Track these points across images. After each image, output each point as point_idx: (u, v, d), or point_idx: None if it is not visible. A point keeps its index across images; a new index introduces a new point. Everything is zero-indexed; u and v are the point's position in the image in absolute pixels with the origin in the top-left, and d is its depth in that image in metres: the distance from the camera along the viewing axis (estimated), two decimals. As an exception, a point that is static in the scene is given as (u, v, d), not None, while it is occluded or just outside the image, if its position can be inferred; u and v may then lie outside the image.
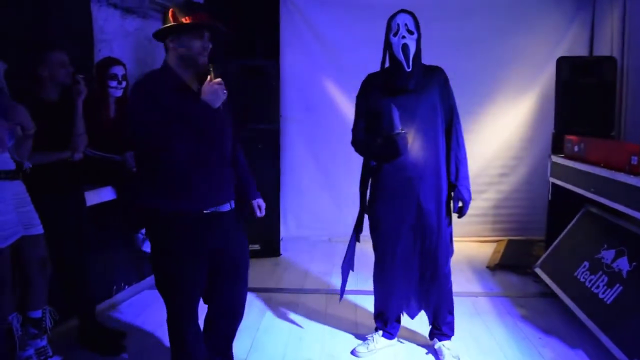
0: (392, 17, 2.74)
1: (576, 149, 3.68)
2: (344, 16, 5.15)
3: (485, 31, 5.03)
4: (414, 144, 2.72)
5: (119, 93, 3.59)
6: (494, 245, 5.12)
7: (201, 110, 2.09)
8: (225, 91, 2.11)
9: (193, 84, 2.21)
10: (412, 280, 2.93)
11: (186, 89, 2.18)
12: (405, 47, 2.67)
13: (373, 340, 3.01)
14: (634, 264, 3.02)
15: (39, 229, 2.58)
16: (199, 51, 2.16)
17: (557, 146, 4.13)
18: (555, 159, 3.97)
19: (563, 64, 4.30)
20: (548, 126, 4.49)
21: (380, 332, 3.03)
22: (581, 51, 4.99)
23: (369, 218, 2.94)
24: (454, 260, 4.60)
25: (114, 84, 3.54)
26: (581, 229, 3.81)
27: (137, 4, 4.36)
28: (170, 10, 2.15)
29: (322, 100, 5.26)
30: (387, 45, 2.76)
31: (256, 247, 4.62)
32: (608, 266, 3.20)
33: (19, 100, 2.57)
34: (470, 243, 5.25)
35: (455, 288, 3.97)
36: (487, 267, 4.50)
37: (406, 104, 2.72)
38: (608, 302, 3.01)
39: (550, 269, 3.82)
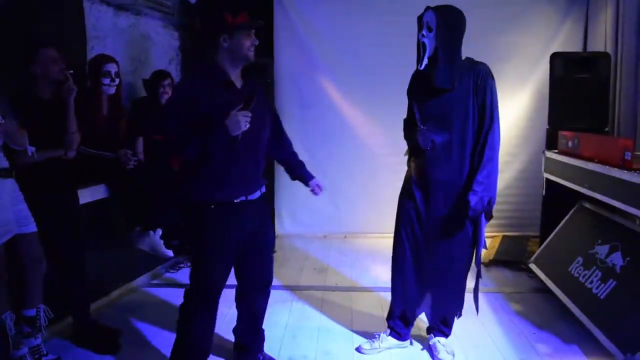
0: (420, 16, 2.73)
1: (570, 144, 3.69)
2: (339, 13, 5.15)
3: (480, 27, 4.98)
4: (432, 144, 2.71)
5: (112, 90, 3.58)
6: (488, 241, 5.11)
7: (219, 130, 2.24)
8: (247, 123, 2.26)
9: (237, 81, 2.39)
10: (424, 282, 2.91)
11: (232, 85, 2.36)
12: (420, 46, 2.69)
13: (379, 338, 2.99)
14: (628, 259, 3.04)
15: (32, 227, 2.57)
16: (249, 47, 2.35)
17: (551, 142, 4.14)
18: (549, 154, 3.98)
19: (557, 59, 4.30)
20: (542, 122, 4.49)
21: (388, 330, 3.02)
22: (575, 47, 4.99)
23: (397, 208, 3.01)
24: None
25: (107, 81, 3.53)
26: (575, 225, 3.83)
27: (130, 1, 4.34)
28: (225, 11, 2.33)
29: (317, 97, 5.26)
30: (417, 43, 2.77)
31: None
32: (602, 261, 3.22)
33: (13, 98, 2.57)
34: (465, 239, 5.25)
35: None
36: (482, 262, 4.50)
37: (429, 102, 2.72)
38: (602, 297, 3.02)
39: (544, 265, 3.84)
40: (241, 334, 2.75)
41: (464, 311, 3.44)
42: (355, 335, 3.16)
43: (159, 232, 3.69)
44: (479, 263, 2.85)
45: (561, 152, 3.81)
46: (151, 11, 4.70)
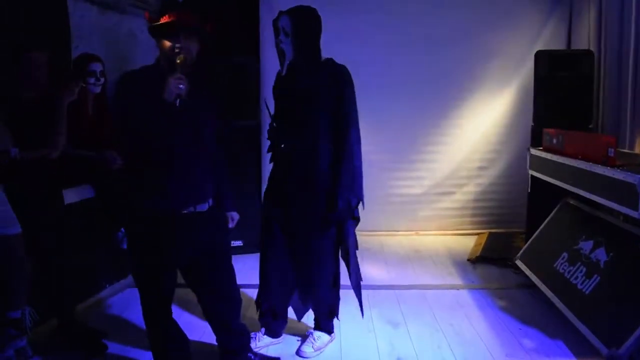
0: (275, 19, 2.73)
1: (554, 141, 3.72)
2: (325, 10, 5.12)
3: (465, 26, 5.06)
4: (287, 145, 2.75)
5: (98, 89, 3.55)
6: (475, 238, 5.17)
7: (157, 107, 2.09)
8: (182, 86, 2.09)
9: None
10: (290, 280, 2.93)
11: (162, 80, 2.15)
12: (280, 53, 2.72)
13: (256, 338, 2.99)
14: (612, 254, 3.07)
15: (16, 229, 2.55)
16: (170, 51, 2.18)
17: (536, 139, 4.18)
18: (534, 151, 4.01)
19: (541, 57, 4.34)
20: (527, 119, 4.53)
21: (263, 329, 3.03)
22: (559, 45, 5.04)
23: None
24: (436, 253, 4.72)
25: (92, 80, 3.50)
26: (560, 221, 3.87)
27: (115, -1, 4.31)
28: (146, 12, 2.26)
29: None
30: (276, 46, 2.78)
31: (239, 243, 4.61)
32: (586, 257, 3.25)
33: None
34: (452, 236, 5.31)
35: (436, 281, 4.04)
36: (468, 259, 4.54)
37: (289, 103, 2.77)
38: (586, 293, 3.06)
39: (530, 261, 3.87)
40: (219, 340, 2.61)
41: (449, 308, 3.49)
42: (343, 333, 3.16)
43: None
44: (351, 265, 2.86)
45: (546, 149, 3.84)
46: (136, 9, 4.66)
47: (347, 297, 3.69)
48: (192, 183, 2.24)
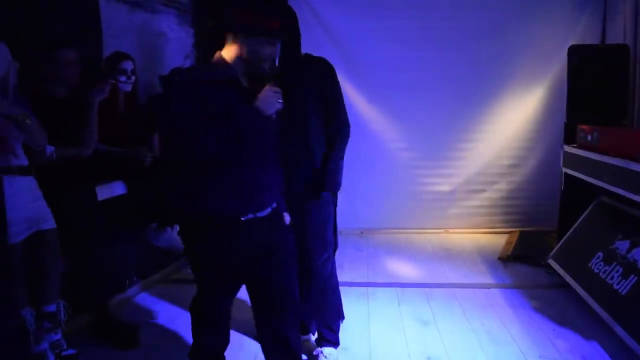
0: None
1: (589, 138, 3.64)
2: (354, 10, 5.12)
3: (496, 21, 4.98)
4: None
5: (129, 88, 3.59)
6: (505, 236, 5.09)
7: (251, 114, 1.97)
8: (280, 100, 2.02)
9: (243, 80, 2.08)
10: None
11: (237, 83, 2.05)
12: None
13: None
14: (649, 254, 2.99)
15: (51, 224, 2.59)
16: (266, 57, 2.04)
17: (569, 136, 4.08)
18: (567, 148, 3.93)
19: (575, 52, 4.24)
20: (559, 116, 4.44)
21: None
22: (593, 39, 4.92)
23: None
24: (466, 251, 4.66)
25: (123, 78, 3.54)
26: (595, 220, 3.78)
27: (145, -2, 4.36)
28: (248, 7, 2.03)
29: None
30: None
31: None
32: (623, 257, 3.17)
33: (29, 96, 2.59)
34: (482, 234, 5.23)
35: (466, 279, 4.00)
36: (499, 258, 4.47)
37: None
38: (623, 293, 2.98)
39: (563, 260, 3.79)
40: None
41: (480, 307, 3.44)
42: (372, 331, 3.15)
43: (176, 228, 3.71)
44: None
45: (580, 146, 3.76)
46: (166, 8, 4.71)
47: (376, 293, 3.69)
48: (269, 184, 2.13)
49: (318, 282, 2.76)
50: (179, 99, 1.94)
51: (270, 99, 2.00)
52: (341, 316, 2.93)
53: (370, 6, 5.04)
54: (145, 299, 3.68)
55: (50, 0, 3.23)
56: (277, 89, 2.02)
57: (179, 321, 3.29)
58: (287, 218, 2.34)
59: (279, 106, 2.02)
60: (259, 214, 2.06)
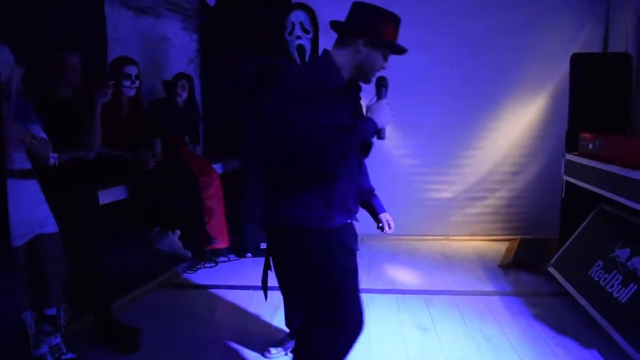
0: (286, 14, 2.52)
1: (591, 146, 3.65)
2: (342, 10, 5.13)
3: (501, 28, 5.00)
4: None
5: (132, 92, 3.63)
6: (506, 244, 5.09)
7: (370, 126, 1.96)
8: (392, 113, 2.01)
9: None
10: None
11: (348, 92, 2.04)
12: (300, 48, 2.53)
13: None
14: (649, 262, 2.99)
15: (53, 228, 2.61)
16: (378, 70, 2.04)
17: (571, 144, 4.09)
18: (569, 157, 3.93)
19: (577, 60, 4.25)
20: (561, 123, 4.44)
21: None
22: (595, 48, 4.93)
23: None
24: (466, 259, 4.67)
25: (127, 83, 3.58)
26: (595, 228, 3.78)
27: (150, 3, 4.40)
28: (393, 23, 2.01)
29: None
30: (283, 42, 2.57)
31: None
32: (623, 265, 3.17)
33: (32, 100, 2.62)
34: (483, 242, 5.24)
35: (466, 286, 4.01)
36: (500, 266, 4.47)
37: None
38: (623, 301, 2.98)
39: (563, 268, 3.79)
40: None
41: (480, 315, 3.44)
42: (372, 337, 3.15)
43: (178, 232, 3.73)
44: None
45: (581, 155, 3.76)
46: (170, 13, 4.75)
47: (376, 300, 3.69)
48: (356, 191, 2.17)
49: None
50: (297, 104, 1.84)
51: (386, 112, 1.99)
52: None
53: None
54: (146, 303, 3.69)
55: (54, 4, 3.26)
56: (388, 101, 2.00)
57: (179, 326, 3.30)
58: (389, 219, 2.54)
59: (391, 120, 2.01)
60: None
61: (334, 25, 2.01)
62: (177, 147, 4.10)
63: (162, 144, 3.87)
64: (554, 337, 3.13)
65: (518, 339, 3.12)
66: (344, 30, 2.00)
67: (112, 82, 3.09)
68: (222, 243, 4.14)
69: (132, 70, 3.60)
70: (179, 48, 4.98)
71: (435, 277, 4.25)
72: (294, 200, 1.95)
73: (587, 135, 3.75)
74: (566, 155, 3.99)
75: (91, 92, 3.05)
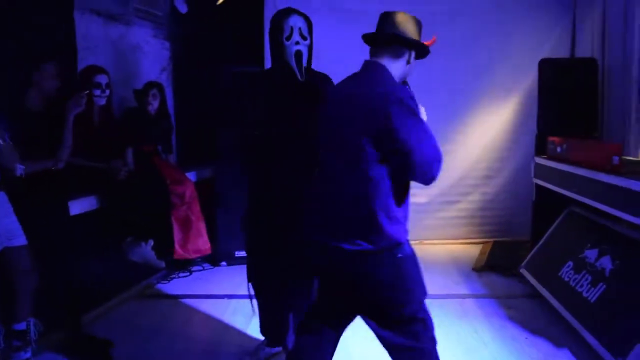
0: (284, 18, 2.52)
1: (559, 150, 3.72)
2: (329, 20, 5.16)
3: (470, 35, 5.07)
4: (286, 153, 2.57)
5: (103, 101, 3.59)
6: (480, 247, 5.15)
7: None
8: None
9: None
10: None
11: None
12: (298, 55, 2.53)
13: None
14: (617, 262, 3.06)
15: (22, 240, 2.56)
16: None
17: (540, 148, 4.17)
18: (538, 160, 4.01)
19: (545, 65, 4.35)
20: (532, 128, 4.52)
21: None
22: (563, 53, 5.04)
23: None
24: (441, 262, 4.70)
25: (97, 92, 3.54)
26: (565, 229, 3.85)
27: (120, 11, 4.36)
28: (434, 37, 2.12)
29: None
30: (277, 47, 2.55)
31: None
32: (592, 265, 3.24)
33: (3, 110, 2.58)
34: (457, 245, 5.29)
35: (441, 290, 4.03)
36: (473, 269, 4.52)
37: (289, 110, 2.57)
38: (592, 301, 3.04)
39: (535, 270, 3.86)
40: None
41: (455, 317, 3.47)
42: (349, 344, 3.15)
43: (151, 242, 3.69)
44: None
45: (550, 158, 3.84)
46: (141, 21, 4.71)
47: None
48: None
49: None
50: (409, 114, 1.88)
51: (424, 113, 2.07)
52: None
53: (345, 16, 5.08)
54: (120, 315, 3.63)
55: (22, 12, 3.21)
56: None
57: (153, 337, 3.26)
58: None
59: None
60: None
61: (387, 37, 2.01)
62: (149, 157, 4.06)
63: (134, 154, 3.83)
64: (527, 338, 3.18)
65: (492, 340, 3.16)
66: (401, 43, 2.02)
67: (86, 92, 3.05)
68: (204, 251, 4.10)
69: (103, 79, 3.56)
70: (151, 56, 4.94)
71: (430, 284, 4.27)
72: (392, 213, 1.93)
73: (555, 138, 3.82)
74: (536, 158, 4.07)
75: (64, 103, 3.00)
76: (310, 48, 2.63)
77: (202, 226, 4.08)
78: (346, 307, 2.18)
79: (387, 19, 2.03)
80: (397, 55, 2.03)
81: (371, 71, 2.01)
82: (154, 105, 4.14)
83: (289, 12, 2.57)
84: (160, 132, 4.25)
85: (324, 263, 2.04)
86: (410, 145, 1.81)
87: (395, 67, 2.03)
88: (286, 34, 2.53)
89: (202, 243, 4.05)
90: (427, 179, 1.90)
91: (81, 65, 3.75)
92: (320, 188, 2.05)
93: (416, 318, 2.04)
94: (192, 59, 5.23)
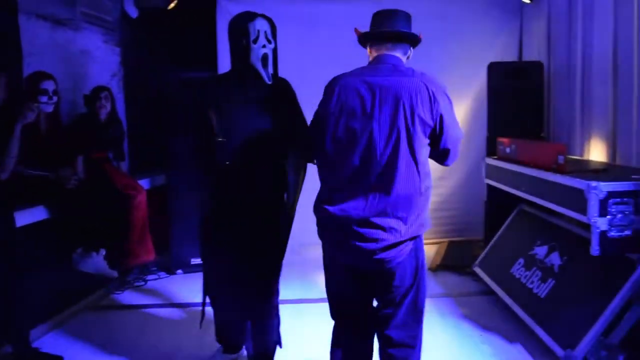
0: (249, 21, 2.52)
1: (508, 150, 3.82)
2: (280, 24, 5.16)
3: (422, 40, 5.14)
4: (249, 156, 2.58)
5: (50, 108, 3.50)
6: (435, 247, 5.22)
7: None
8: None
9: None
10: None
11: None
12: (265, 58, 2.55)
13: None
14: (565, 258, 3.17)
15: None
16: None
17: (491, 148, 4.28)
18: (489, 160, 4.11)
19: (494, 69, 4.47)
20: (482, 129, 4.63)
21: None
22: (511, 57, 5.18)
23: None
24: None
25: (44, 99, 3.44)
26: (516, 228, 3.96)
27: (67, 15, 4.25)
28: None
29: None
30: (241, 50, 2.54)
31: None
32: (541, 262, 3.34)
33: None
34: (414, 246, 5.34)
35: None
36: (429, 268, 4.58)
37: (249, 113, 2.58)
38: (542, 296, 3.14)
39: (488, 268, 3.95)
40: None
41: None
42: (306, 347, 3.16)
43: (102, 252, 3.61)
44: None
45: (500, 158, 3.94)
46: (90, 26, 4.61)
47: (309, 309, 3.70)
48: None
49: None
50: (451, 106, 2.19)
51: None
52: (279, 342, 2.90)
53: (294, 19, 5.08)
54: (72, 327, 3.53)
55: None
56: None
57: (106, 350, 3.18)
58: None
59: None
60: None
61: (404, 35, 2.17)
62: (100, 164, 3.97)
63: (85, 161, 3.74)
64: (481, 335, 3.25)
65: (447, 338, 3.22)
66: (412, 41, 2.23)
67: (36, 104, 2.96)
68: (148, 256, 4.03)
69: (50, 85, 3.47)
70: (101, 62, 4.84)
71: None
72: (422, 203, 2.17)
73: (504, 139, 3.92)
74: (486, 159, 4.17)
75: (9, 110, 2.90)
76: (275, 52, 2.62)
77: (147, 233, 4.02)
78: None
79: (401, 17, 2.18)
80: (405, 52, 2.21)
81: (395, 62, 2.13)
82: (107, 107, 4.04)
83: (254, 15, 2.56)
84: (111, 139, 4.16)
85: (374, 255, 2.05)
86: (449, 129, 2.10)
87: (403, 61, 2.19)
88: (253, 37, 2.52)
89: (148, 251, 3.99)
90: (454, 160, 2.27)
91: (27, 71, 3.64)
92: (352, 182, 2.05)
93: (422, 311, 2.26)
94: (144, 64, 5.15)
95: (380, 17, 2.17)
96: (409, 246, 2.11)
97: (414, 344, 2.22)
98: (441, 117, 2.03)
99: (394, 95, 1.99)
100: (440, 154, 2.18)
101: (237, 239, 2.62)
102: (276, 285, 2.79)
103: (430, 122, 2.03)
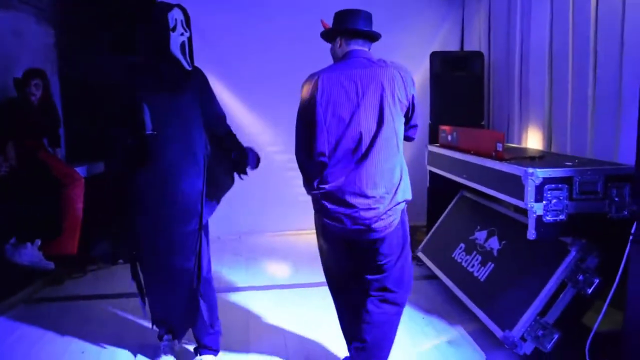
0: (167, 11, 2.54)
1: (449, 138, 3.90)
2: (225, 12, 5.08)
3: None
4: (174, 147, 2.59)
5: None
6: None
7: None
8: None
9: None
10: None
11: None
12: (184, 45, 2.59)
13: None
14: (504, 242, 3.27)
15: None
16: None
17: (433, 136, 4.36)
18: (431, 148, 4.19)
19: (436, 58, 4.55)
20: (425, 117, 4.71)
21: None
22: (454, 46, 5.29)
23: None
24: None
25: (-30, 81, 3.24)
26: (457, 213, 4.06)
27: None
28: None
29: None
30: (160, 39, 2.54)
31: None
32: (481, 246, 3.44)
33: None
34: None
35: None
36: (375, 254, 4.64)
37: (169, 103, 2.59)
38: (482, 280, 3.24)
39: (430, 253, 4.04)
40: None
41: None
42: (251, 335, 3.14)
43: (38, 242, 3.45)
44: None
45: (442, 146, 4.02)
46: (23, 5, 4.38)
47: (254, 297, 3.68)
48: None
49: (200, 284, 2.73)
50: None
51: None
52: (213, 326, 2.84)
53: (244, 10, 5.03)
54: (5, 323, 3.37)
55: None
56: None
57: (44, 345, 3.05)
58: None
59: None
60: None
61: (376, 35, 2.49)
62: (33, 151, 3.78)
63: (16, 148, 3.56)
64: (423, 318, 3.33)
65: (391, 322, 3.27)
66: (376, 39, 2.51)
67: None
68: (71, 250, 3.87)
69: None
70: (34, 43, 4.60)
71: (312, 271, 4.30)
72: (404, 172, 2.47)
73: (446, 127, 4.00)
74: (428, 146, 4.25)
75: None
76: (190, 40, 2.65)
77: (78, 224, 3.87)
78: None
79: (368, 17, 2.47)
80: (370, 47, 2.50)
81: (367, 57, 2.40)
82: (37, 94, 3.85)
83: (170, 5, 2.59)
84: (45, 125, 3.97)
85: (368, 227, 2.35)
86: (416, 107, 2.42)
87: (371, 55, 2.46)
88: (172, 25, 2.54)
89: (73, 245, 3.84)
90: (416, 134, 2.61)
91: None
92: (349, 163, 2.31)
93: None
94: (79, 47, 4.93)
95: (354, 17, 2.43)
96: (397, 215, 2.42)
97: (401, 300, 2.63)
98: (412, 97, 2.36)
99: (374, 82, 2.28)
100: (410, 129, 2.52)
101: (160, 229, 2.65)
102: (202, 273, 2.74)
103: (406, 102, 2.34)
